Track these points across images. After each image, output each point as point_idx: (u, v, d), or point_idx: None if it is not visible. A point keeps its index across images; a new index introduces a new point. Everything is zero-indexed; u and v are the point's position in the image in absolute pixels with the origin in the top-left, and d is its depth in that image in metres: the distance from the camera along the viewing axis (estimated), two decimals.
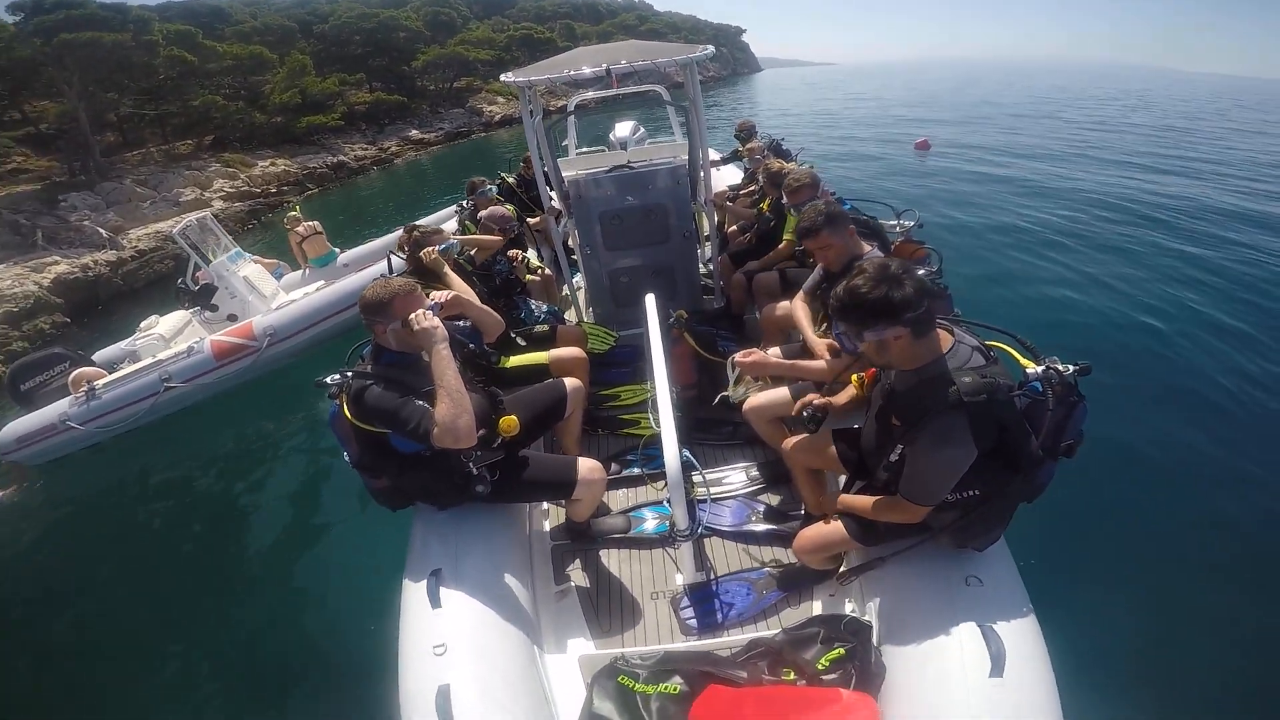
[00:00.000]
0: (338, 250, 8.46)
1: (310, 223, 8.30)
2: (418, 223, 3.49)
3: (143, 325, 6.59)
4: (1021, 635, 1.71)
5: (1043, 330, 6.03)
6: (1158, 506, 3.97)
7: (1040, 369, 1.67)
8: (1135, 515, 3.88)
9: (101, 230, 12.01)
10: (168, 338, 6.39)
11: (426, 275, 3.08)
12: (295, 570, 4.21)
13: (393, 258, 3.69)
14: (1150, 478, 4.19)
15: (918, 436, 1.65)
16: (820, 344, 2.63)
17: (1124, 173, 13.61)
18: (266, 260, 8.08)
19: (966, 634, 1.70)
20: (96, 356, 6.52)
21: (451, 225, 5.05)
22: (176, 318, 6.77)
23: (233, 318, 6.87)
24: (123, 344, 6.52)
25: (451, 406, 1.99)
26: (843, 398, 2.27)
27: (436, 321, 2.10)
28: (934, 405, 1.59)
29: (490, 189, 5.22)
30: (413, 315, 2.08)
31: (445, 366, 2.04)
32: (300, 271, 8.30)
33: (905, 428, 1.71)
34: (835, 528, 2.08)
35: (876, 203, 3.88)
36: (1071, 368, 1.66)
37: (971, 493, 1.72)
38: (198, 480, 5.44)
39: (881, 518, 1.89)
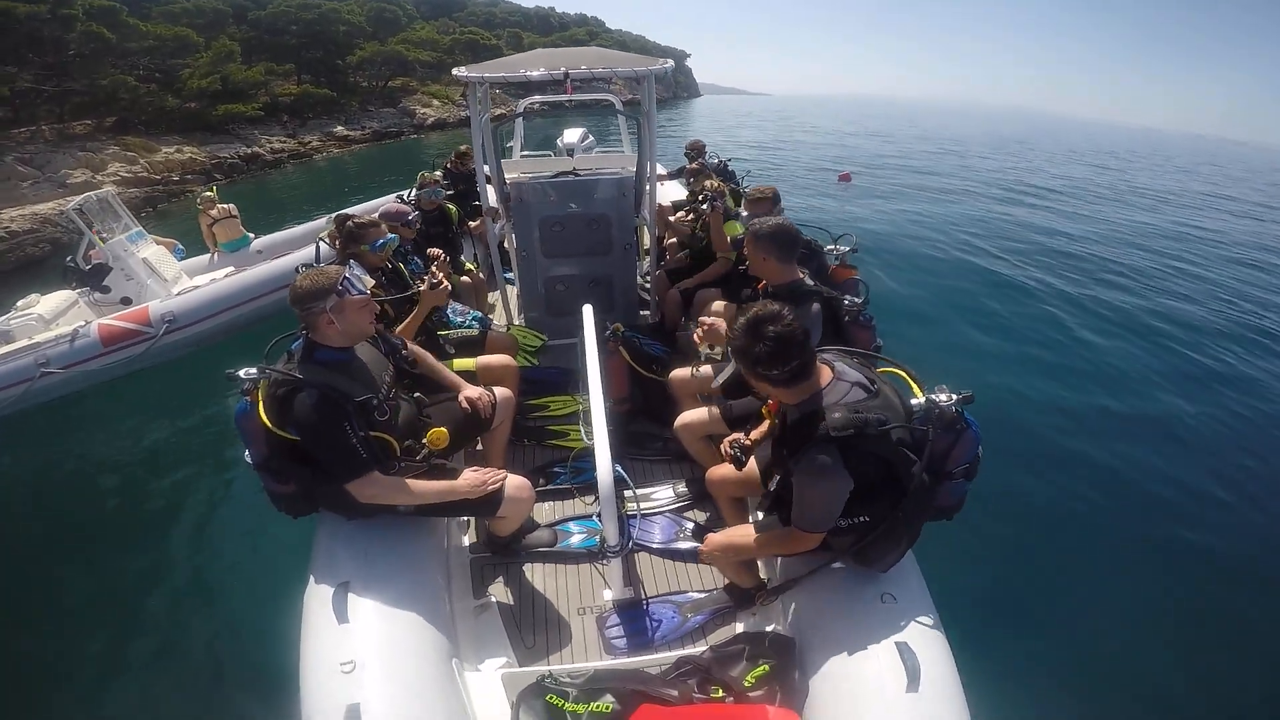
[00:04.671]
0: (251, 236, 7.96)
1: (225, 205, 7.79)
2: (349, 210, 3.30)
3: (20, 304, 5.97)
4: (933, 650, 1.77)
5: (947, 352, 6.55)
6: (1058, 528, 4.27)
7: (923, 400, 1.78)
8: (1036, 536, 4.15)
9: None
10: (48, 319, 5.79)
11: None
12: (180, 580, 3.84)
13: (321, 245, 3.47)
14: (1052, 501, 4.49)
15: (795, 469, 1.73)
16: None
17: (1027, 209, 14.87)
18: (164, 240, 7.47)
19: (883, 650, 1.75)
20: None
21: None
22: (60, 298, 6.16)
23: (127, 301, 6.28)
24: None
25: (396, 499, 2.07)
26: (759, 430, 2.32)
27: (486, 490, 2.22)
28: (808, 439, 1.68)
29: (439, 190, 5.06)
30: (486, 477, 2.22)
31: (441, 494, 2.14)
32: (208, 255, 7.74)
33: (788, 458, 1.78)
34: (744, 532, 2.11)
35: (814, 226, 4.02)
36: (954, 397, 1.76)
37: (862, 518, 1.80)
38: (74, 476, 4.92)
39: (768, 553, 1.96)
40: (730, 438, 2.31)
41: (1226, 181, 31.92)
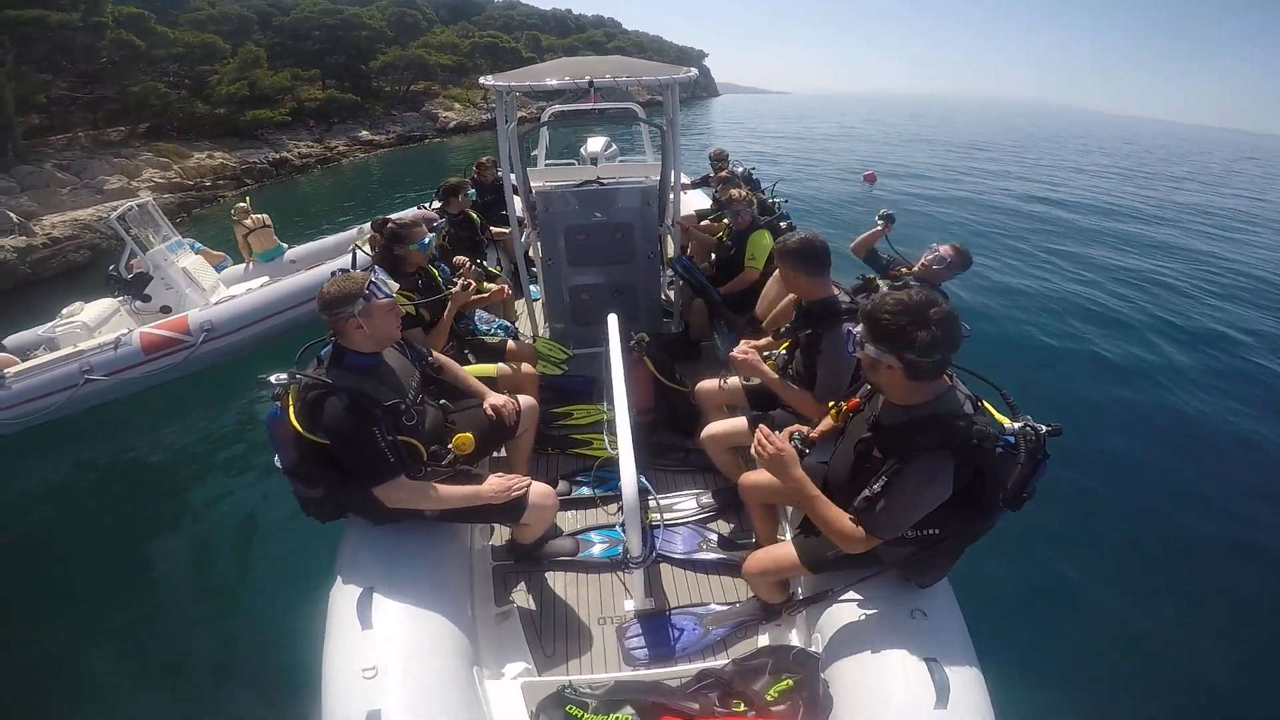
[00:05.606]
0: (285, 246, 8.11)
1: (259, 215, 7.96)
2: (389, 216, 3.39)
3: (64, 312, 6.14)
4: (963, 668, 1.74)
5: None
6: (1098, 540, 4.12)
7: (1018, 425, 1.70)
8: (1073, 549, 4.00)
9: (12, 215, 11.16)
10: (91, 326, 5.97)
11: (398, 273, 3.02)
12: (207, 583, 3.94)
13: (358, 252, 3.56)
14: (1092, 512, 4.33)
15: (903, 470, 1.67)
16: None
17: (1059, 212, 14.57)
18: (214, 252, 7.71)
19: (911, 667, 1.72)
20: (7, 342, 6.02)
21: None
22: (102, 306, 6.34)
23: (166, 310, 6.45)
24: (40, 329, 6.05)
25: (421, 504, 2.09)
26: (819, 429, 2.27)
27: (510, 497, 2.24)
28: (925, 443, 1.63)
29: (471, 193, 5.13)
30: (510, 484, 2.24)
31: (463, 499, 2.15)
32: (243, 265, 7.93)
33: (888, 460, 1.72)
34: (786, 553, 2.08)
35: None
36: (1045, 428, 1.70)
37: (931, 531, 1.77)
38: (114, 478, 5.08)
39: (826, 522, 1.85)
40: (791, 428, 2.26)
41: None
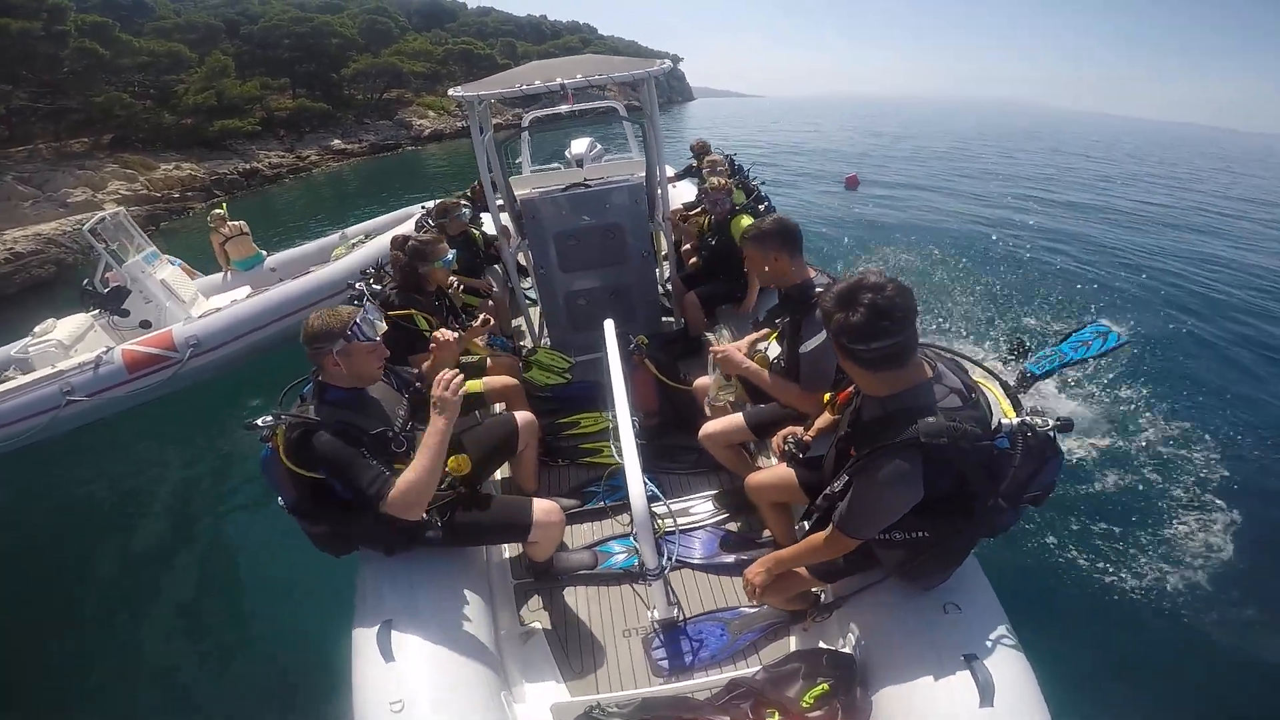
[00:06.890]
0: (264, 254, 7.96)
1: (236, 222, 7.78)
2: (403, 231, 3.34)
3: (37, 330, 5.93)
4: (1007, 662, 1.68)
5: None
6: (1137, 524, 3.90)
7: (1016, 421, 1.59)
8: (1117, 532, 3.79)
9: None
10: (67, 344, 5.76)
11: (421, 291, 2.98)
12: (234, 620, 3.79)
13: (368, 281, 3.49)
14: (1128, 498, 4.12)
15: (866, 468, 1.57)
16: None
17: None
18: (190, 272, 7.52)
19: (950, 664, 1.67)
20: None
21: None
22: (76, 322, 6.13)
23: (146, 324, 6.28)
24: (12, 349, 5.84)
25: (420, 483, 1.94)
26: (815, 428, 2.23)
27: (456, 398, 2.01)
28: (892, 440, 1.51)
29: (464, 212, 5.03)
30: (440, 377, 2.01)
31: (439, 443, 1.97)
32: (221, 275, 7.75)
33: (858, 459, 1.62)
34: (787, 569, 1.99)
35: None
36: (1051, 422, 1.59)
37: (920, 534, 1.67)
38: (108, 508, 4.88)
39: (811, 561, 1.83)
40: (785, 431, 2.21)
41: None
